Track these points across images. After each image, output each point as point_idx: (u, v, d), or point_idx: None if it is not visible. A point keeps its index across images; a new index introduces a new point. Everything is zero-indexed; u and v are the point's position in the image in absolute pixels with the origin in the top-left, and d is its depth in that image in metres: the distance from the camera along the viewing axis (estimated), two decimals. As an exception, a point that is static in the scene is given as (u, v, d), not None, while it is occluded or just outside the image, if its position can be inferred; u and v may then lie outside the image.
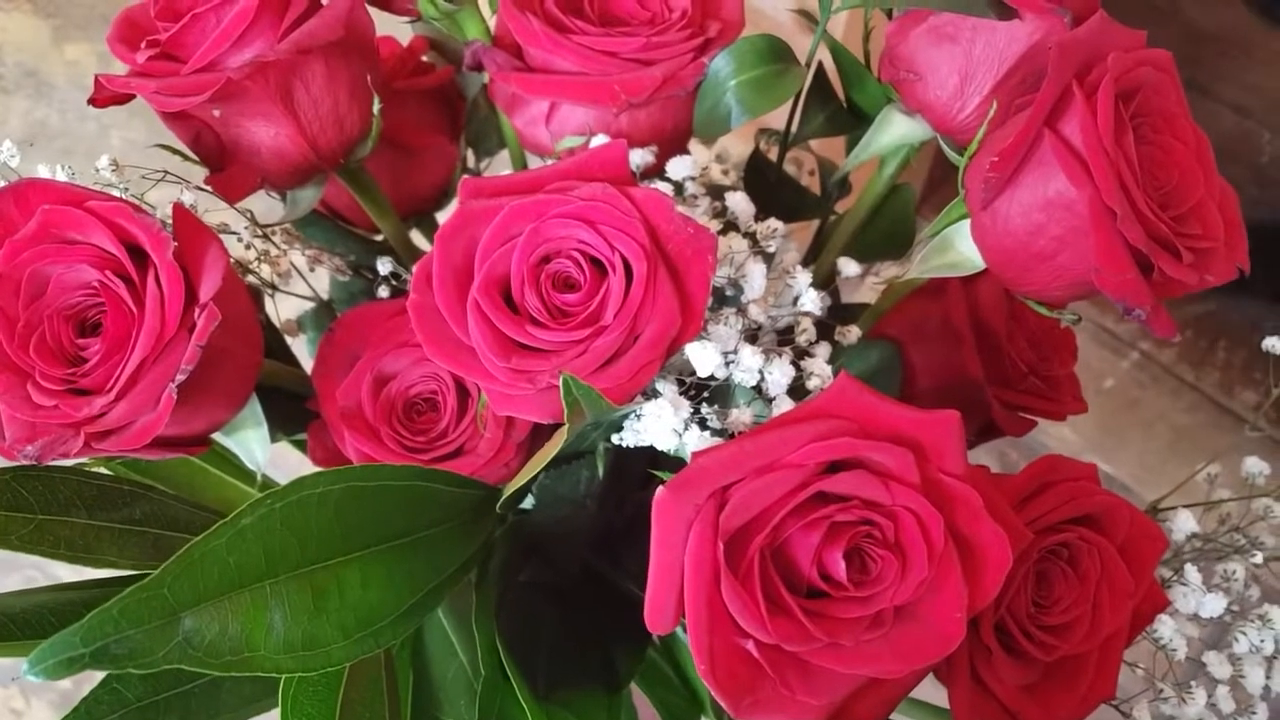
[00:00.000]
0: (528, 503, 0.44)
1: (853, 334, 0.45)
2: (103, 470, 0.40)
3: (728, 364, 0.38)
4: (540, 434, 0.44)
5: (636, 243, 0.36)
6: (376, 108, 0.45)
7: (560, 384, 0.32)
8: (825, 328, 0.44)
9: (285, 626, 0.32)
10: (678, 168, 0.44)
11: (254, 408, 0.41)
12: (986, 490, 0.34)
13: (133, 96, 0.42)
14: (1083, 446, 1.00)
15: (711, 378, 0.39)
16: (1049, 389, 0.48)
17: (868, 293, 0.52)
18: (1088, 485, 0.38)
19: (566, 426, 0.34)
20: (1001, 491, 0.37)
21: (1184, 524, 0.42)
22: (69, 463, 0.38)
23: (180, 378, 0.35)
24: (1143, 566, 0.38)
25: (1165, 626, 0.40)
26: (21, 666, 0.30)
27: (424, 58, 0.53)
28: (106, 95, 0.42)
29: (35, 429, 0.35)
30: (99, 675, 0.40)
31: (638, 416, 0.37)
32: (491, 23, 0.48)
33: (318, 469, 0.35)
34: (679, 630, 0.47)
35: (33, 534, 0.35)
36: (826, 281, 0.47)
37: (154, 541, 0.38)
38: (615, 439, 0.39)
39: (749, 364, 0.37)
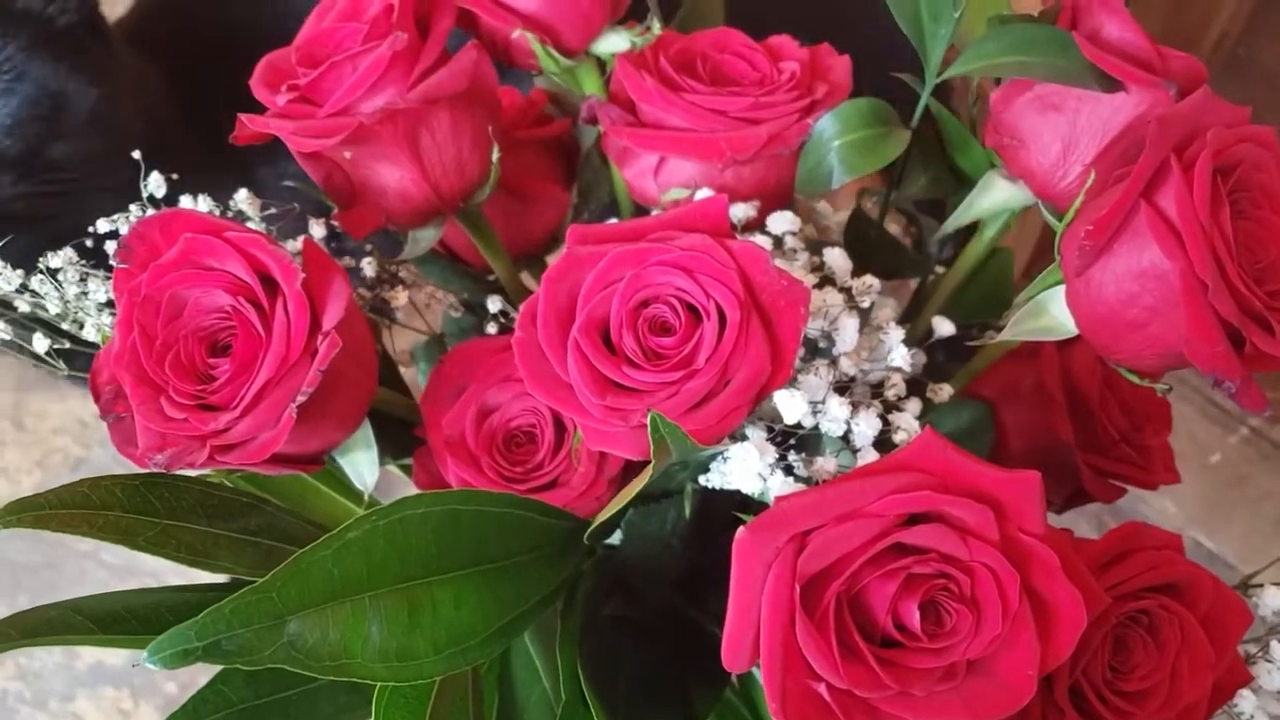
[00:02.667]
0: (616, 539, 0.46)
1: (944, 392, 0.46)
2: (223, 482, 0.43)
3: (815, 413, 0.39)
4: (632, 471, 0.45)
5: (731, 292, 0.37)
6: (495, 156, 0.47)
7: (648, 422, 0.34)
8: (918, 386, 0.45)
9: (382, 637, 0.34)
10: (778, 222, 0.46)
11: (366, 431, 0.43)
12: (1065, 552, 0.35)
13: (271, 135, 0.45)
14: (1185, 521, 0.97)
15: (799, 426, 0.40)
16: (1141, 457, 0.48)
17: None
18: (1170, 554, 0.38)
19: (652, 463, 0.35)
20: (1082, 555, 0.37)
21: (1272, 600, 0.42)
22: (193, 473, 0.41)
23: (301, 399, 0.37)
24: (1225, 639, 0.38)
25: (1246, 702, 0.39)
26: (140, 657, 0.32)
27: (544, 109, 0.56)
28: (247, 133, 0.46)
29: (165, 439, 0.38)
30: (203, 683, 0.43)
31: (724, 459, 0.39)
32: (608, 79, 0.50)
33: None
34: (755, 673, 0.48)
35: (158, 537, 0.38)
36: (922, 340, 0.48)
37: (267, 552, 0.41)
38: (702, 480, 0.40)
39: (836, 414, 0.39)
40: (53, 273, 0.45)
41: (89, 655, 1.02)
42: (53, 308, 0.45)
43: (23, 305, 0.46)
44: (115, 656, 1.02)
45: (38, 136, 0.65)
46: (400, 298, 0.48)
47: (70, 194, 0.68)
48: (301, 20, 0.47)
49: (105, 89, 0.70)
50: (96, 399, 0.40)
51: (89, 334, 0.44)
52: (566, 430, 0.46)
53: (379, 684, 0.37)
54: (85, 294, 0.45)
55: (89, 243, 0.46)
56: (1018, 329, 0.43)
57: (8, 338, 0.45)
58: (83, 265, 0.46)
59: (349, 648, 0.33)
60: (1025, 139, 0.46)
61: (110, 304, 0.46)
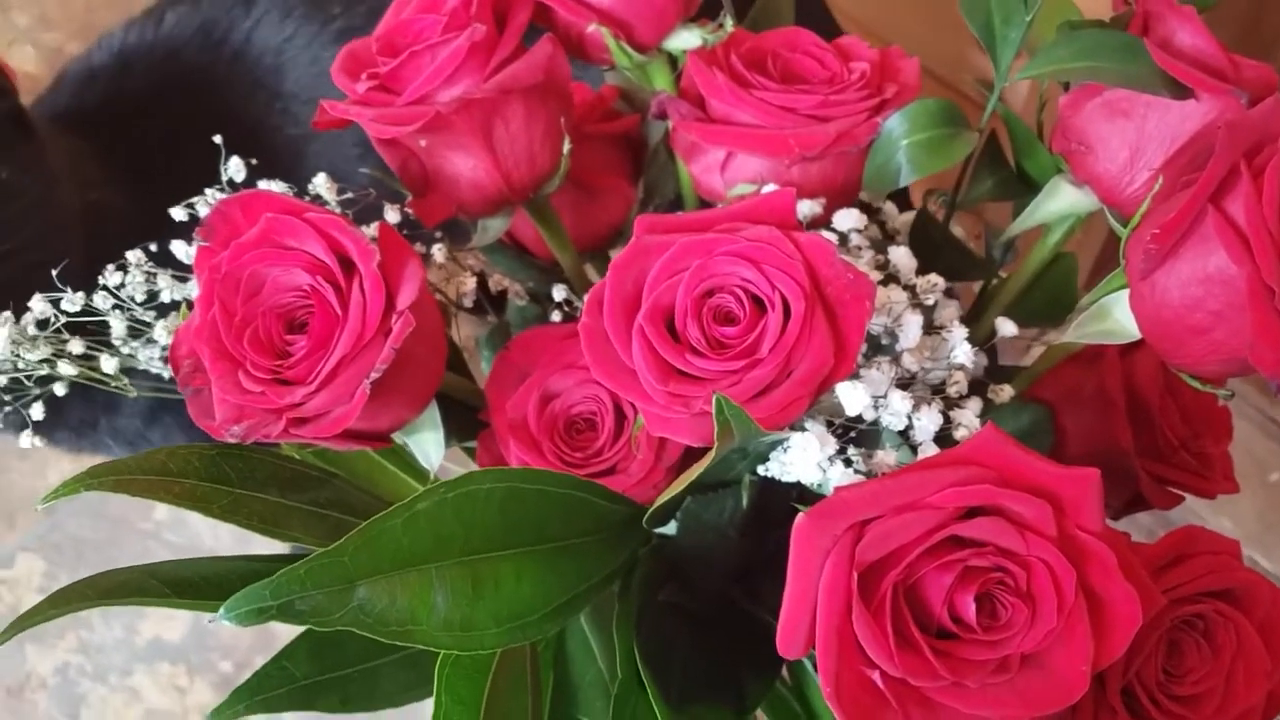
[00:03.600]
0: (672, 528, 0.46)
1: (1006, 393, 0.46)
2: (295, 455, 0.44)
3: (876, 407, 0.40)
4: (689, 461, 0.46)
5: (797, 283, 0.38)
6: (566, 148, 0.48)
7: (712, 404, 0.34)
8: (979, 386, 0.46)
9: (446, 607, 0.35)
10: (844, 219, 0.46)
11: (433, 412, 0.44)
12: (1122, 551, 0.35)
13: (350, 122, 0.46)
14: (1242, 538, 0.96)
15: (860, 420, 0.40)
16: (1200, 465, 0.48)
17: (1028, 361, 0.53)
18: (1228, 559, 0.38)
19: (715, 445, 0.36)
20: (1139, 557, 0.37)
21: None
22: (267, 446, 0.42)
23: (374, 375, 0.38)
24: (1283, 647, 0.38)
25: (1303, 711, 0.39)
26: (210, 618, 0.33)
27: (614, 105, 0.57)
28: (327, 119, 0.47)
29: (242, 411, 0.39)
30: (258, 663, 0.44)
31: (785, 449, 0.39)
32: (679, 75, 0.51)
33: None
34: (809, 665, 0.48)
35: (231, 505, 0.40)
36: (985, 341, 0.49)
37: (335, 524, 0.42)
38: (761, 470, 0.41)
39: (897, 408, 0.39)
40: (117, 287, 0.46)
41: (148, 631, 1.05)
42: (117, 328, 0.46)
43: (75, 347, 0.47)
44: (173, 632, 1.04)
45: None
46: (469, 284, 0.49)
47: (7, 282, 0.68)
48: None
49: (35, 175, 0.71)
50: (175, 372, 0.41)
51: (158, 336, 0.45)
52: (626, 418, 0.46)
53: (441, 655, 0.38)
54: (155, 293, 0.46)
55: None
56: (1080, 331, 0.43)
57: (74, 372, 0.46)
58: (149, 266, 0.47)
59: (415, 615, 0.34)
60: (1093, 144, 0.46)
61: (175, 305, 0.47)
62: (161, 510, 1.10)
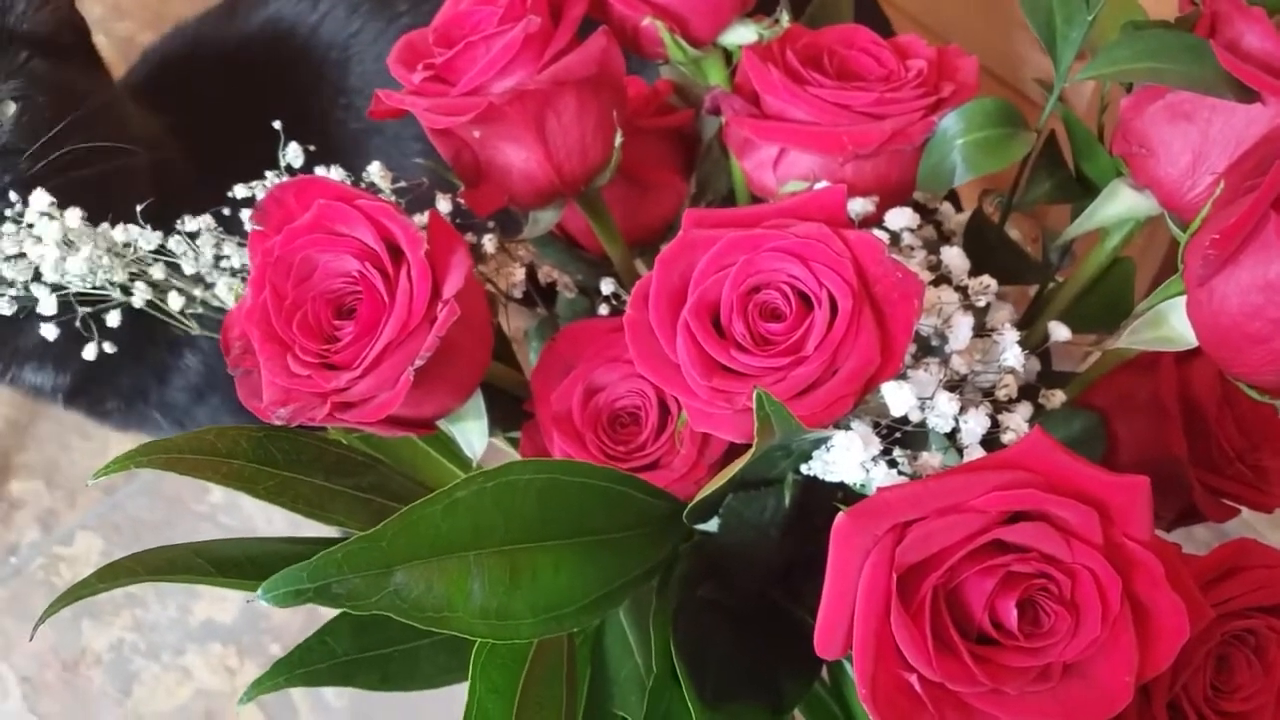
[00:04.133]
0: (714, 525, 0.46)
1: (1057, 398, 0.45)
2: (341, 440, 0.45)
3: (922, 408, 0.39)
4: (732, 457, 0.46)
5: (844, 281, 0.37)
6: (618, 141, 0.48)
7: (753, 399, 0.34)
8: (1031, 391, 0.45)
9: (483, 595, 0.35)
10: (897, 218, 0.46)
11: (478, 401, 0.45)
12: (1170, 561, 0.34)
13: (406, 111, 0.47)
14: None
15: (905, 421, 0.40)
16: (1256, 478, 0.47)
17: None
18: (1282, 574, 0.37)
19: (755, 441, 0.35)
20: (1189, 569, 0.37)
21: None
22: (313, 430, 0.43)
23: (418, 362, 0.38)
24: (1337, 666, 0.37)
25: (1357, 732, 0.38)
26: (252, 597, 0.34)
27: (668, 100, 0.57)
28: (383, 109, 0.47)
29: (289, 394, 0.40)
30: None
31: (828, 448, 0.39)
32: (733, 71, 0.51)
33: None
34: (847, 666, 0.48)
35: (277, 487, 0.40)
36: (1038, 346, 0.48)
37: (378, 510, 0.42)
38: (804, 469, 0.41)
39: (944, 409, 0.38)
40: (191, 236, 0.47)
41: (200, 612, 1.06)
42: (188, 268, 0.47)
43: (157, 272, 0.48)
44: (225, 614, 1.06)
45: (45, 147, 0.67)
46: (518, 274, 0.49)
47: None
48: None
49: (103, 103, 0.73)
50: (226, 353, 0.42)
51: (221, 292, 0.46)
52: (670, 413, 0.46)
53: (478, 642, 0.38)
54: (221, 258, 0.47)
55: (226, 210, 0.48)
56: (1135, 338, 0.42)
57: (148, 298, 0.48)
58: (218, 232, 0.48)
59: (451, 602, 0.34)
60: (1154, 148, 0.45)
61: (242, 269, 0.48)
62: (216, 493, 1.12)
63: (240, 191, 0.47)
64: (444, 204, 0.48)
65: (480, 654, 0.38)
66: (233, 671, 1.03)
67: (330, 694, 1.02)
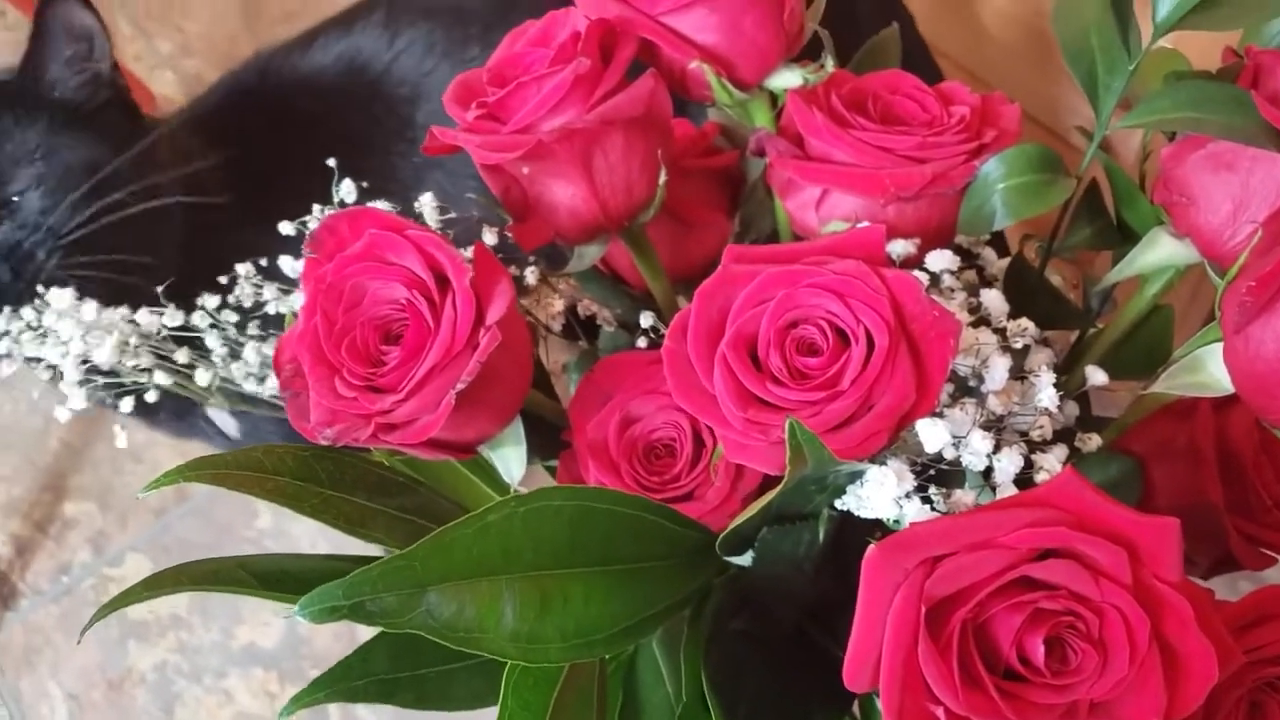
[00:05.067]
0: (748, 559, 0.47)
1: (1094, 441, 0.45)
2: (384, 461, 0.46)
3: (956, 446, 0.40)
4: (766, 492, 0.46)
5: (881, 318, 0.38)
6: (663, 179, 0.49)
7: (785, 429, 0.35)
8: (1068, 434, 0.45)
9: (514, 620, 0.36)
10: (936, 260, 0.46)
11: (517, 428, 0.46)
12: (1201, 604, 0.34)
13: (459, 148, 0.48)
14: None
15: (940, 459, 0.40)
16: (1294, 526, 0.47)
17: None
18: (1317, 622, 0.37)
19: (788, 471, 0.36)
20: (1220, 615, 0.37)
21: None
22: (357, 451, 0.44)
23: (460, 386, 0.40)
24: (1372, 718, 0.37)
25: (1392, 786, 0.38)
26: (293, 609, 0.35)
27: (714, 141, 0.58)
28: (437, 145, 0.49)
29: (336, 415, 0.41)
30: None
31: (862, 483, 0.39)
32: (778, 114, 0.52)
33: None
34: (877, 701, 0.48)
35: (321, 505, 0.41)
36: (1077, 392, 0.48)
37: (417, 530, 0.43)
38: (838, 504, 0.41)
39: (978, 447, 0.39)
40: (215, 312, 0.49)
41: (243, 636, 1.08)
42: (212, 344, 0.48)
43: (181, 356, 0.50)
44: (267, 639, 1.07)
45: (74, 206, 0.70)
46: (557, 305, 0.50)
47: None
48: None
49: (134, 155, 0.75)
50: (277, 375, 0.43)
51: (249, 358, 0.48)
52: (705, 446, 0.47)
53: (509, 663, 0.38)
54: (249, 320, 0.48)
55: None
56: (1171, 383, 0.43)
57: (168, 383, 0.49)
58: (257, 279, 0.49)
59: (483, 624, 0.35)
60: (1195, 196, 0.45)
61: (269, 335, 0.50)
62: (264, 519, 1.14)
63: (287, 229, 0.48)
64: (490, 236, 0.49)
65: (513, 672, 0.38)
66: (273, 696, 1.04)
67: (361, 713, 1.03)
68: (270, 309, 0.48)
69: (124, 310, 0.48)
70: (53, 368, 0.47)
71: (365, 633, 0.43)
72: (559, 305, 0.51)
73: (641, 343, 0.51)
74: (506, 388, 0.44)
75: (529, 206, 0.50)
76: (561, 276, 0.53)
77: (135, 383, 0.47)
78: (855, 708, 0.48)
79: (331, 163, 0.50)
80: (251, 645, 1.07)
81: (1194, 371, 0.42)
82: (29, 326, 0.47)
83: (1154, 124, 0.45)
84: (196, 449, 0.87)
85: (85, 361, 0.46)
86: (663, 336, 0.51)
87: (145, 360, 0.46)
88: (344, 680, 0.45)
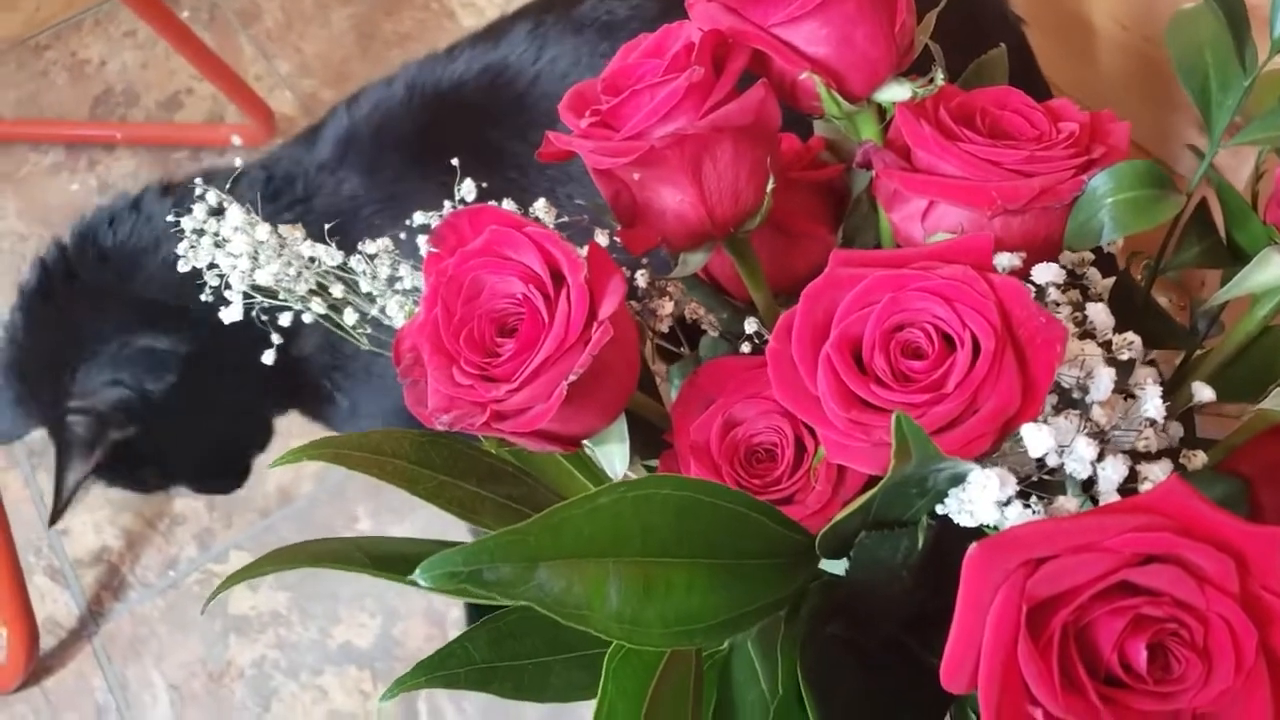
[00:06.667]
0: (845, 566, 0.47)
1: (1198, 460, 0.45)
2: (493, 451, 0.47)
3: (1060, 453, 0.40)
4: (868, 495, 0.46)
5: (988, 322, 0.38)
6: (770, 187, 0.50)
7: (892, 421, 0.35)
8: (1172, 454, 0.45)
9: (618, 601, 0.37)
10: (1042, 273, 0.46)
11: (621, 425, 0.47)
12: (1311, 618, 0.34)
13: (573, 154, 0.50)
14: None
15: (1043, 466, 0.40)
16: None
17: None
18: None
19: (892, 466, 0.36)
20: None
21: None
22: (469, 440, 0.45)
23: (572, 377, 0.41)
24: None
25: None
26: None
27: (819, 155, 0.59)
28: (552, 151, 0.51)
29: (453, 402, 0.42)
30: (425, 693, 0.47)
31: (964, 486, 0.39)
32: (886, 127, 0.53)
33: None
34: (972, 715, 0.48)
35: (435, 489, 0.43)
36: (1182, 409, 0.48)
37: (523, 519, 0.44)
38: (939, 509, 0.41)
39: (1082, 453, 0.39)
40: (370, 257, 0.51)
41: (340, 635, 1.11)
42: (364, 285, 0.51)
43: (336, 290, 0.52)
44: (363, 639, 1.10)
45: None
46: (666, 307, 0.52)
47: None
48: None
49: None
50: (397, 363, 0.45)
51: (391, 310, 0.50)
52: (806, 451, 0.48)
53: (613, 645, 0.39)
54: (396, 278, 0.51)
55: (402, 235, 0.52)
56: (1282, 400, 0.42)
57: (323, 311, 0.52)
58: (395, 254, 0.51)
59: (590, 602, 0.36)
60: (1310, 216, 0.45)
61: (413, 290, 0.52)
62: (364, 523, 1.17)
63: (419, 219, 0.50)
64: (602, 238, 0.50)
65: (614, 656, 0.39)
66: (366, 695, 1.07)
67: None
68: (407, 283, 0.50)
69: (299, 235, 0.51)
70: (222, 277, 0.50)
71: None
72: (669, 306, 0.52)
73: (745, 348, 0.52)
74: (614, 383, 0.45)
75: (637, 212, 0.51)
76: (670, 280, 0.54)
77: (290, 306, 0.50)
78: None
79: (455, 162, 0.52)
80: (347, 644, 1.10)
81: (1306, 389, 0.42)
82: (208, 233, 0.50)
83: (1267, 140, 0.45)
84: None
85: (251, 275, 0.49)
86: (765, 342, 0.52)
87: (303, 287, 0.49)
88: (443, 667, 0.46)
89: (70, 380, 0.86)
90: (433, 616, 1.09)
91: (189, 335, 0.84)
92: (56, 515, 0.87)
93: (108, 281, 0.87)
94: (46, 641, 1.15)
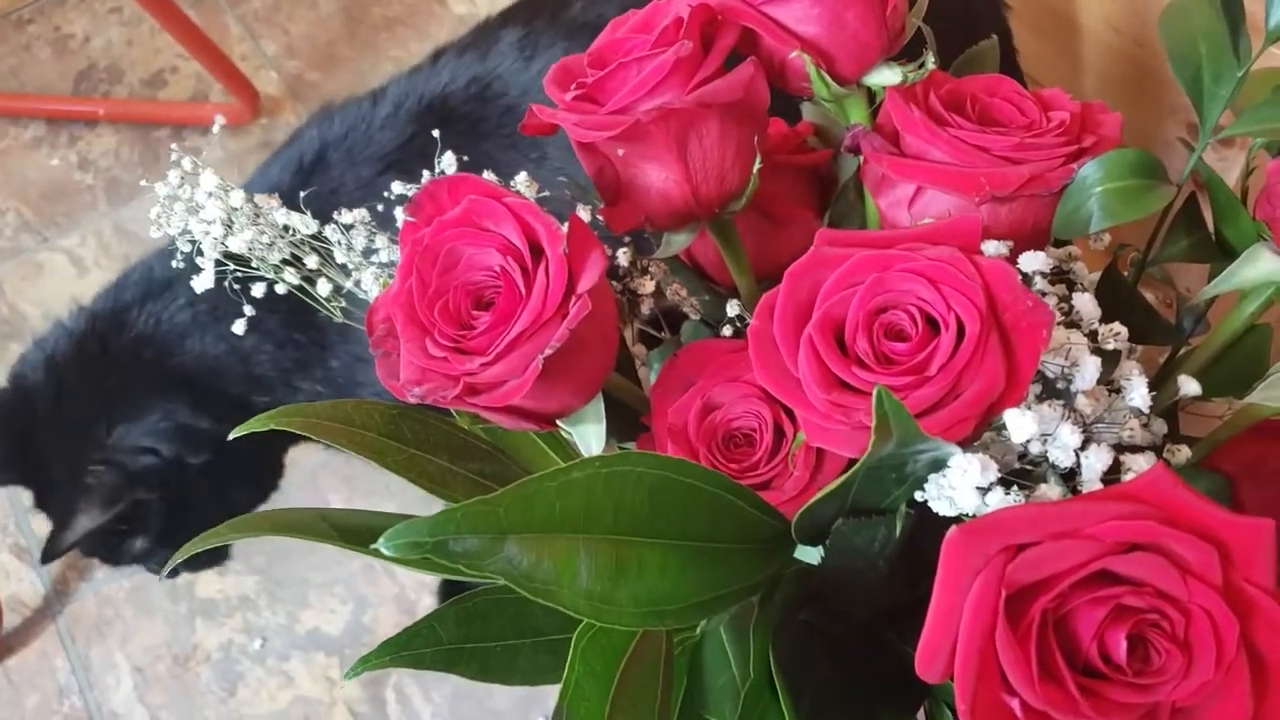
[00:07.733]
0: (821, 555, 0.46)
1: (1182, 454, 0.44)
2: (465, 427, 0.46)
3: (1044, 440, 0.39)
4: (847, 481, 0.46)
5: (973, 305, 0.38)
6: (756, 167, 0.49)
7: (873, 396, 0.34)
8: (1156, 451, 0.44)
9: (589, 579, 0.36)
10: (1030, 261, 0.46)
11: (598, 405, 0.46)
12: (1294, 610, 0.33)
13: (557, 127, 0.49)
14: None
15: (1025, 454, 0.40)
16: (1394, 554, 0.45)
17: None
18: None
19: (872, 443, 0.36)
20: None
21: None
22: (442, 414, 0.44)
23: (548, 352, 0.40)
24: None
25: None
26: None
27: (807, 139, 0.58)
28: (535, 124, 0.50)
29: (425, 374, 0.41)
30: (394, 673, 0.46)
31: (944, 471, 0.39)
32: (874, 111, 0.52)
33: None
34: (948, 711, 0.47)
35: (405, 462, 0.42)
36: (1167, 404, 0.47)
37: (495, 495, 0.43)
38: (919, 495, 0.41)
39: (1066, 441, 0.38)
40: (346, 228, 0.50)
41: (309, 621, 1.09)
42: (339, 256, 0.50)
43: (310, 261, 0.51)
44: (332, 626, 1.09)
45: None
46: (648, 286, 0.51)
47: None
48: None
49: None
50: (370, 334, 0.44)
51: (366, 283, 0.49)
52: (785, 436, 0.47)
53: (582, 624, 0.38)
54: (372, 250, 0.50)
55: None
56: (1266, 394, 0.42)
57: (296, 282, 0.50)
58: (371, 225, 0.50)
59: (559, 578, 0.35)
60: (1300, 212, 0.45)
61: (389, 264, 0.51)
62: (335, 511, 1.15)
63: (397, 189, 0.49)
64: (584, 213, 0.49)
65: (583, 635, 0.38)
66: (333, 682, 1.05)
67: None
68: (384, 255, 0.49)
69: (274, 203, 0.50)
70: (194, 243, 0.49)
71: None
72: (650, 285, 0.51)
73: (727, 332, 0.51)
74: (591, 361, 0.44)
75: (621, 190, 0.51)
76: (652, 260, 0.53)
77: (263, 275, 0.50)
78: (921, 714, 0.48)
79: (435, 134, 0.51)
80: (316, 630, 1.09)
81: (1292, 385, 0.41)
82: (182, 199, 0.49)
83: (1259, 132, 0.45)
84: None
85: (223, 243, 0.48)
86: (747, 325, 0.51)
87: (276, 256, 0.48)
88: (409, 646, 0.45)
89: (104, 433, 0.88)
90: (404, 604, 1.08)
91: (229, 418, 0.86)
92: (54, 555, 0.88)
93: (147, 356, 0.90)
94: (10, 620, 1.13)
